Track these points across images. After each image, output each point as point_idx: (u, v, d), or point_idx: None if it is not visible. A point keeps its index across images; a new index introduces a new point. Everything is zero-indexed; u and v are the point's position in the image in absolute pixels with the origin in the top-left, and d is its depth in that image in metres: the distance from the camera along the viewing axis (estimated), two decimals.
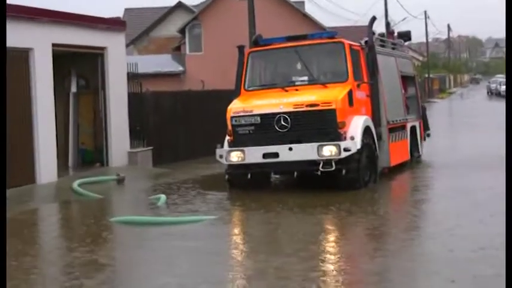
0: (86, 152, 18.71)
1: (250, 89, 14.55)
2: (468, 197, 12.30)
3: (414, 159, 17.35)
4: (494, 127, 23.25)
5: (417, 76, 21.70)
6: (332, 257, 8.47)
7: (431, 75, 78.22)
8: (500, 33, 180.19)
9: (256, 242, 9.50)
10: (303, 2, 44.91)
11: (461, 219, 10.27)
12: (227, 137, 13.79)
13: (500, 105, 49.34)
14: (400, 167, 16.13)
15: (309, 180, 14.17)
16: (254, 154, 13.29)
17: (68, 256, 8.97)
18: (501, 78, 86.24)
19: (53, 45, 15.66)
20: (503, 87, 72.56)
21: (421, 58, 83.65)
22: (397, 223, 10.46)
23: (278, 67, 15.20)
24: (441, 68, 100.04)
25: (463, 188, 13.18)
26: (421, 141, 18.13)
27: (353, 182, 13.16)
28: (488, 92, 79.39)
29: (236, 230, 10.84)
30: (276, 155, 13.11)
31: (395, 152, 15.52)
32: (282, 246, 9.04)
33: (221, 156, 13.66)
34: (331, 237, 9.72)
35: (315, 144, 12.94)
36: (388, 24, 48.53)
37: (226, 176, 14.05)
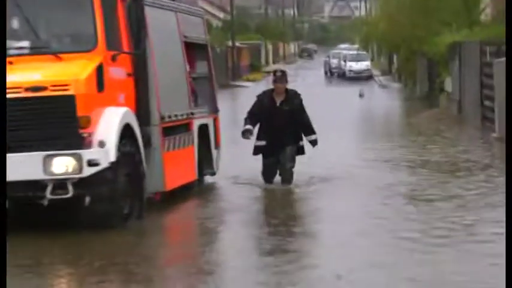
0: None
1: None
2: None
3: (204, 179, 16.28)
4: (341, 129, 24.02)
5: (212, 44, 20.48)
6: None
7: (237, 44, 69.20)
8: None
9: None
10: None
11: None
12: None
13: (347, 93, 46.83)
14: (182, 193, 14.85)
15: (34, 214, 12.87)
16: None
17: None
18: (346, 50, 70.18)
19: None
20: (350, 65, 61.27)
21: (221, 15, 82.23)
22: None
23: None
24: (254, 32, 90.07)
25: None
26: (216, 150, 16.94)
27: (104, 217, 12.30)
28: (326, 72, 69.15)
29: None
30: None
31: (173, 167, 14.47)
32: None
33: None
34: None
35: (39, 154, 11.86)
36: None
37: None
